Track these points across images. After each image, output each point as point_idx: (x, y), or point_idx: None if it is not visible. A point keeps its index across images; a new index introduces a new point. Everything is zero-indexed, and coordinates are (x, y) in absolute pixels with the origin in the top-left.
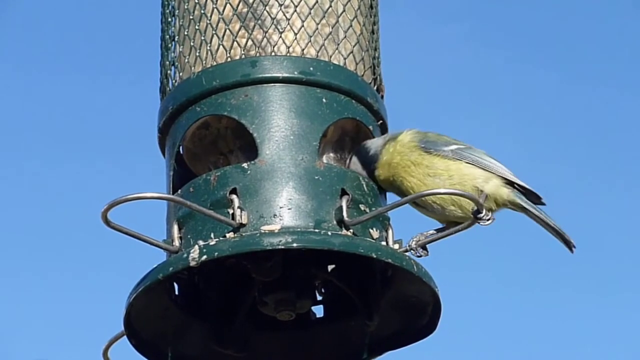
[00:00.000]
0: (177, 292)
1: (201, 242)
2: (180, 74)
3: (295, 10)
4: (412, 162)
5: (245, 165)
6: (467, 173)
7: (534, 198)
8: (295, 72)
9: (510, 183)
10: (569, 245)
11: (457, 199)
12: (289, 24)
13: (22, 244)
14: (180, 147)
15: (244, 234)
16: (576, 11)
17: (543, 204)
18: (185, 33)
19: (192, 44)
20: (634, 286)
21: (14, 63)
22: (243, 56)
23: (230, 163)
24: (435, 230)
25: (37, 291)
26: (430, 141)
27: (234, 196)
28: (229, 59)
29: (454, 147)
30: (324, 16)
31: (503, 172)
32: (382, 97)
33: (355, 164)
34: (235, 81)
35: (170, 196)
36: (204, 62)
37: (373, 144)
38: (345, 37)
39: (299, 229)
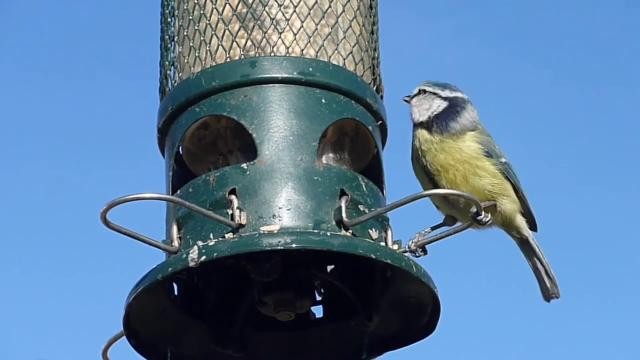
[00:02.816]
0: (176, 293)
1: (200, 243)
2: (180, 74)
3: (295, 11)
4: (465, 160)
5: (244, 165)
6: (507, 188)
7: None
8: (295, 73)
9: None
10: (548, 295)
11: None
12: (288, 24)
13: (22, 244)
14: (180, 148)
15: (243, 235)
16: (571, 7)
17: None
18: (185, 33)
19: (191, 44)
20: (633, 286)
21: (13, 63)
22: (242, 56)
23: (230, 163)
24: (434, 230)
25: (37, 291)
26: (491, 149)
27: (233, 197)
28: (228, 60)
29: (503, 160)
30: (323, 16)
31: (524, 197)
32: (381, 97)
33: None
34: (235, 81)
35: (170, 197)
36: (203, 62)
37: (461, 118)
38: (345, 37)
39: (298, 230)
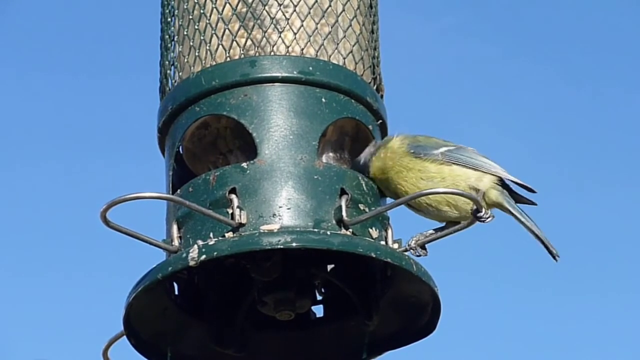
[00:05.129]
0: (176, 292)
1: (200, 242)
2: (180, 73)
3: (295, 10)
4: (404, 167)
5: (244, 165)
6: (460, 174)
7: (526, 190)
8: (295, 72)
9: (501, 181)
10: (552, 254)
11: (451, 200)
12: (288, 23)
13: (21, 244)
14: (180, 147)
15: (243, 234)
16: (572, 5)
17: (534, 191)
18: (185, 33)
19: (191, 43)
20: (633, 285)
21: (13, 63)
22: (242, 56)
23: (230, 163)
24: (434, 230)
25: (37, 291)
26: (419, 145)
27: (233, 196)
28: (228, 59)
29: (443, 149)
30: (323, 16)
31: (494, 169)
32: (381, 96)
33: None
34: (235, 81)
35: (170, 196)
36: (203, 62)
37: (363, 155)
38: (345, 36)
39: (298, 229)
